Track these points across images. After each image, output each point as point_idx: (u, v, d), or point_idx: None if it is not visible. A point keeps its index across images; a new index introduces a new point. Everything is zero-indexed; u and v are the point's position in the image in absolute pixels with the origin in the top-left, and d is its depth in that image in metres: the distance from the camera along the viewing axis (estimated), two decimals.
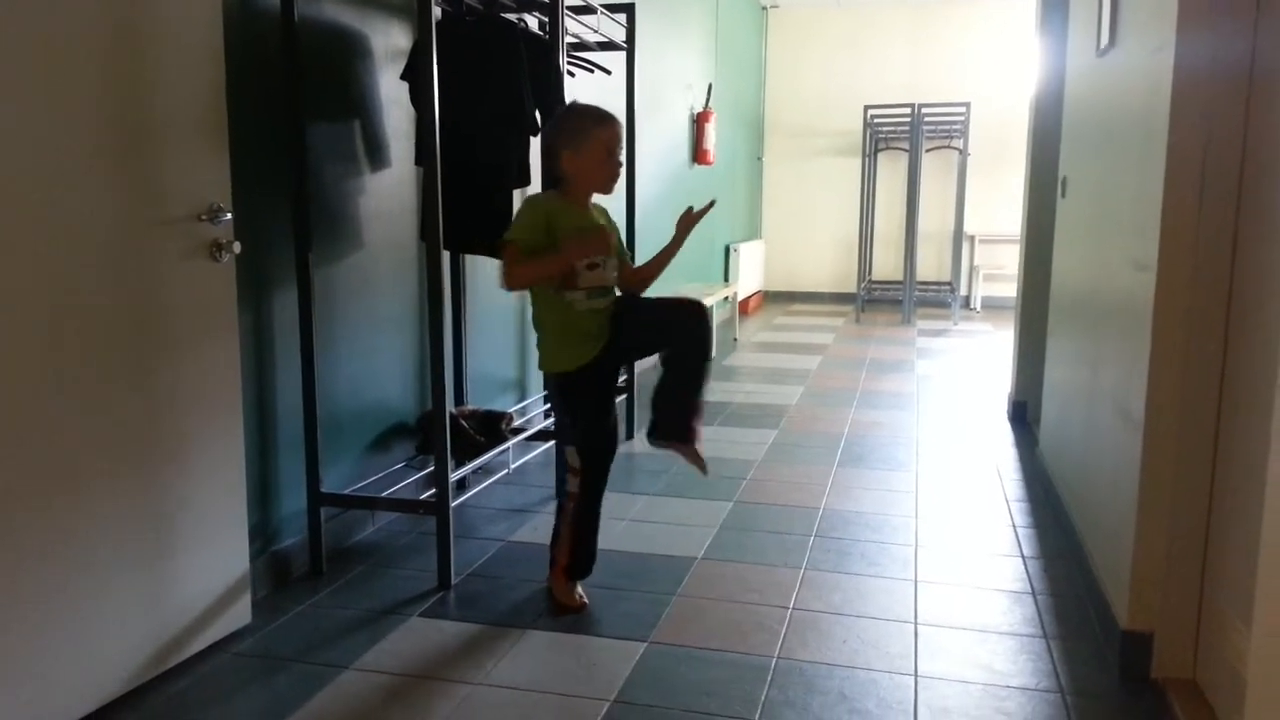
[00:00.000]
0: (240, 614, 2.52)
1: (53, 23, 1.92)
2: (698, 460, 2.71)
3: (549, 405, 4.10)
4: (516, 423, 3.73)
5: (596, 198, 2.68)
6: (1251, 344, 2.02)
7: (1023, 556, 3.10)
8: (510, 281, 2.55)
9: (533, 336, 4.45)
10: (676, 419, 2.68)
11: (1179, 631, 2.27)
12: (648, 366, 6.12)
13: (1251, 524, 1.93)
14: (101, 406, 2.07)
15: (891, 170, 10.08)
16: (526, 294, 4.37)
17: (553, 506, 3.52)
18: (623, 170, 2.64)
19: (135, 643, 2.20)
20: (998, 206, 9.68)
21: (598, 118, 2.56)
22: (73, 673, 2.05)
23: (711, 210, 2.62)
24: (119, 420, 2.12)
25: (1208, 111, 2.12)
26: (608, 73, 4.37)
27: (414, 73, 3.13)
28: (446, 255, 3.55)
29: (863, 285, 9.45)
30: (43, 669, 1.98)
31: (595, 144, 2.53)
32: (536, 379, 4.56)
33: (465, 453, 3.35)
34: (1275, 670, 1.51)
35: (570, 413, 2.69)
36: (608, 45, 4.20)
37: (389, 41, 3.27)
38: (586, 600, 2.72)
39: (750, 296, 9.54)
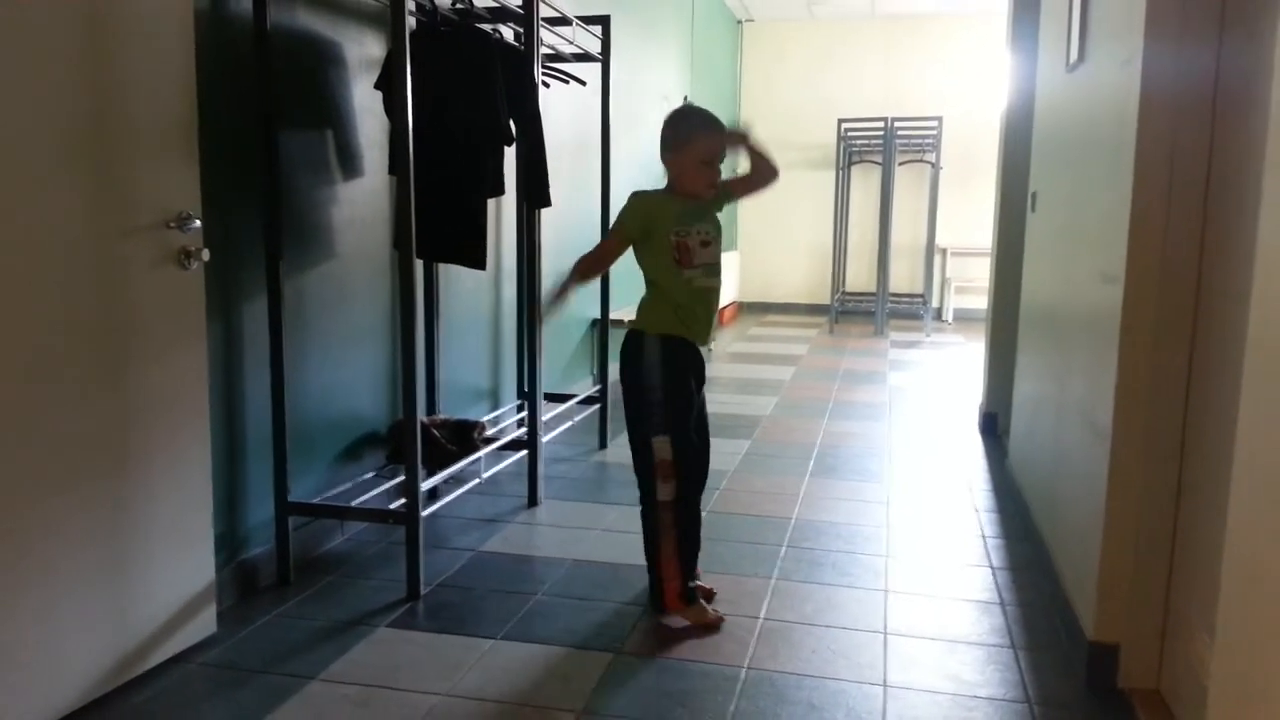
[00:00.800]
0: (205, 624, 2.48)
1: (18, 26, 1.90)
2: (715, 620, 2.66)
3: (523, 414, 4.09)
4: (489, 432, 3.71)
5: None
6: (1218, 356, 2.05)
7: (992, 567, 3.12)
8: (584, 266, 2.67)
9: (507, 346, 4.46)
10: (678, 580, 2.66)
11: (1145, 642, 2.29)
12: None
13: (1216, 535, 1.95)
14: (66, 415, 2.04)
15: (865, 183, 10.15)
16: (500, 304, 4.36)
17: (524, 516, 3.52)
18: (718, 177, 2.63)
19: (96, 653, 2.17)
20: (969, 220, 9.77)
21: (701, 123, 2.62)
22: (30, 683, 2.01)
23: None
24: (83, 428, 2.09)
25: (1174, 126, 2.15)
26: (583, 84, 4.38)
27: (388, 82, 3.11)
28: (420, 264, 3.53)
29: (836, 297, 9.50)
30: None
31: (694, 148, 2.58)
32: (509, 388, 4.55)
33: (437, 462, 3.33)
34: (1237, 681, 1.52)
35: (665, 384, 2.59)
36: (583, 57, 4.21)
37: (363, 50, 3.26)
38: (722, 615, 2.68)
39: (725, 307, 9.56)
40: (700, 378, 2.73)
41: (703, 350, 2.74)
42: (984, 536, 3.41)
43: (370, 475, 3.37)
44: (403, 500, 2.86)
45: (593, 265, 2.70)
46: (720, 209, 2.72)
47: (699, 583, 2.82)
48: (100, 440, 2.13)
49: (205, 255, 2.34)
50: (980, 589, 2.94)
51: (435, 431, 3.43)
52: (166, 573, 2.34)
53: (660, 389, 2.60)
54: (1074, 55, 3.04)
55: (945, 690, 2.32)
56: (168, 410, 2.30)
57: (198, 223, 2.32)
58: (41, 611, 2.02)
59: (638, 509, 2.76)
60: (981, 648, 2.55)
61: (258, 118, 2.73)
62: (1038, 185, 3.86)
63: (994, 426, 4.95)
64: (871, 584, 2.95)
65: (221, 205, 2.61)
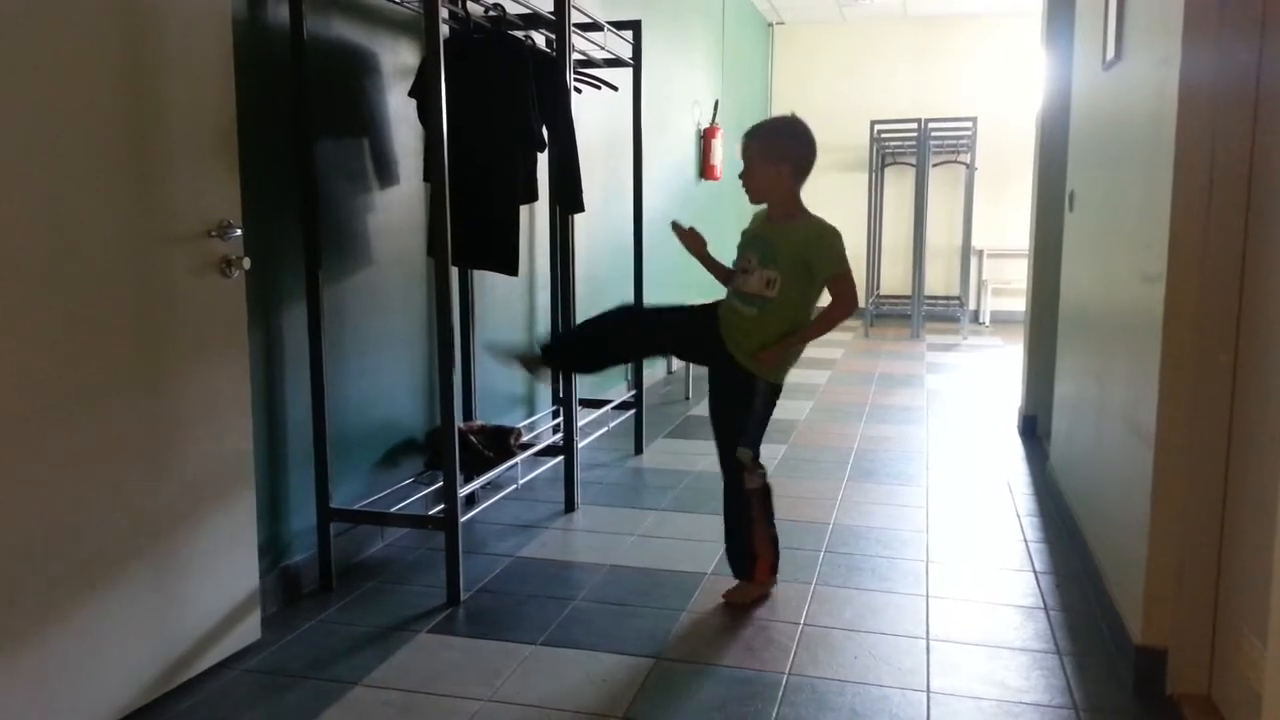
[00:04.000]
0: (250, 630, 2.51)
1: (64, 41, 1.94)
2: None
3: (559, 420, 4.10)
4: (525, 438, 3.72)
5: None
6: (1263, 355, 2.01)
7: (1034, 572, 3.08)
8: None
9: None
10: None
11: (1193, 647, 2.25)
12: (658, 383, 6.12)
13: (1266, 538, 1.92)
14: (110, 422, 2.08)
15: (898, 185, 10.08)
16: (534, 309, 4.38)
17: (561, 522, 3.53)
18: (741, 177, 2.80)
19: (144, 659, 2.20)
20: (1005, 221, 9.67)
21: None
22: (80, 689, 2.04)
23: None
24: (128, 435, 2.12)
25: (1214, 122, 2.12)
26: (614, 89, 4.39)
27: (422, 90, 3.14)
28: (455, 271, 3.55)
29: (871, 300, 9.44)
30: (50, 685, 1.98)
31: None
32: (544, 394, 4.56)
33: (474, 468, 3.34)
34: None
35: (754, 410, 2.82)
36: (614, 62, 4.22)
37: (397, 59, 3.29)
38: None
39: None
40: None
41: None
42: (1026, 541, 3.37)
43: (409, 481, 3.39)
44: (441, 506, 2.88)
45: None
46: (793, 245, 2.69)
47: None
48: (145, 448, 2.16)
49: (246, 263, 2.37)
50: (1023, 594, 2.91)
51: (472, 438, 3.44)
52: (211, 580, 2.37)
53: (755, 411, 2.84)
54: (1110, 53, 3.00)
55: (990, 696, 2.30)
56: (211, 418, 2.34)
57: (239, 231, 2.35)
58: (88, 618, 2.05)
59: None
60: (1026, 653, 2.52)
61: (295, 127, 2.76)
62: (1075, 184, 3.81)
63: (1034, 429, 4.90)
64: (912, 589, 2.93)
65: (261, 214, 2.64)
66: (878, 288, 9.88)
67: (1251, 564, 2.02)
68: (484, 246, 3.27)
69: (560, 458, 3.69)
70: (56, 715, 1.99)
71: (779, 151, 2.73)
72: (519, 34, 3.50)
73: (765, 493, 2.84)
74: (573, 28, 3.55)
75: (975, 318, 9.86)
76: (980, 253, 9.78)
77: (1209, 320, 2.16)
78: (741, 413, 2.79)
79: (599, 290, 5.20)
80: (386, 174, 3.26)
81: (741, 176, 2.76)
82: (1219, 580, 2.21)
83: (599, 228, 5.11)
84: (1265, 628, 1.86)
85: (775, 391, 2.82)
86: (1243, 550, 2.08)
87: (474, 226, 3.20)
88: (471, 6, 3.27)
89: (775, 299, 2.66)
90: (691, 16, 7.22)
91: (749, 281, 2.70)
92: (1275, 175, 1.99)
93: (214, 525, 2.37)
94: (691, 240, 2.85)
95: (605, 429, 4.50)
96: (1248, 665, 1.99)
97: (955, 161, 9.70)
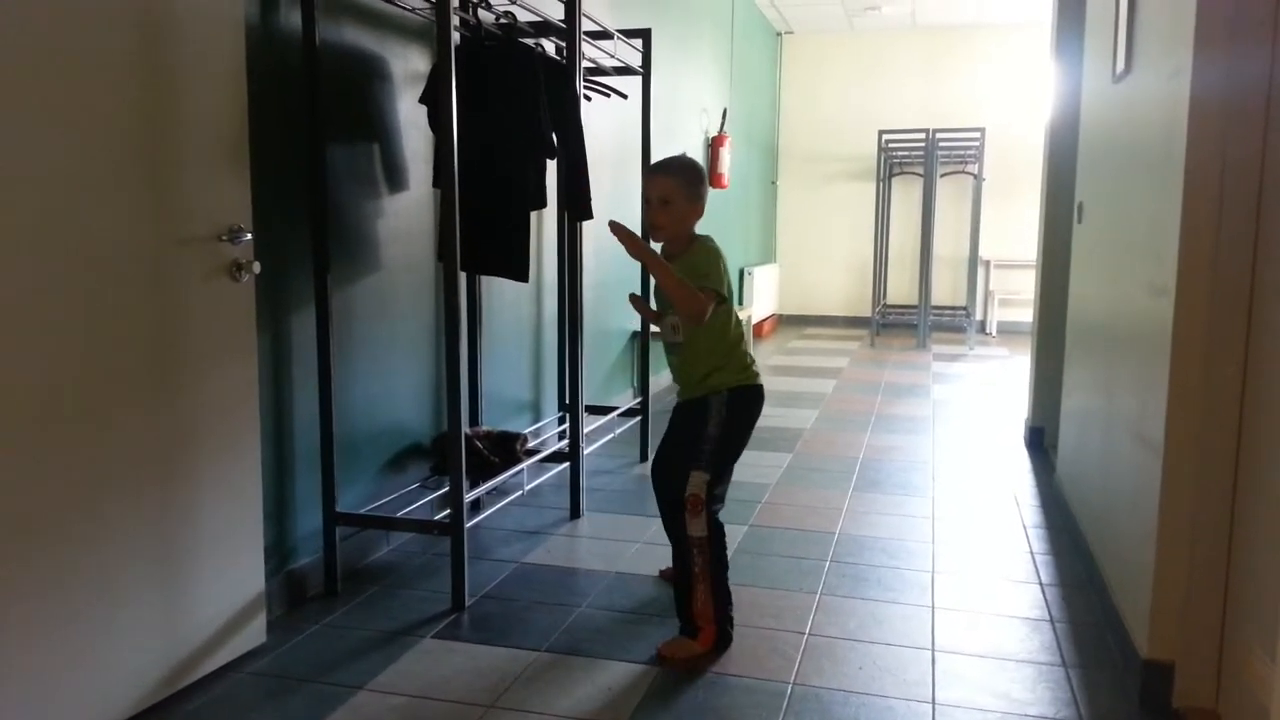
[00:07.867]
0: (255, 633, 2.51)
1: (78, 47, 1.95)
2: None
3: (565, 426, 4.10)
4: (531, 444, 3.73)
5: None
6: (1272, 367, 2.01)
7: (1041, 584, 3.07)
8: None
9: (548, 359, 4.48)
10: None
11: (1200, 661, 2.24)
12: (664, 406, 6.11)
13: (1275, 551, 1.91)
14: (120, 425, 2.08)
15: (906, 195, 10.09)
16: (541, 316, 4.39)
17: (567, 528, 3.53)
18: (653, 215, 2.64)
19: (149, 661, 2.20)
20: (1013, 231, 9.67)
21: (647, 171, 2.72)
22: (86, 691, 2.05)
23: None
24: (137, 438, 2.13)
25: (1225, 135, 2.12)
26: (624, 97, 4.40)
27: (433, 96, 3.15)
28: (463, 276, 3.56)
29: (877, 309, 9.43)
30: (56, 687, 1.98)
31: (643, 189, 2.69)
32: (551, 400, 4.56)
33: (480, 474, 3.35)
34: None
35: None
36: (624, 70, 4.23)
37: (408, 65, 3.30)
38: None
39: (765, 320, 9.54)
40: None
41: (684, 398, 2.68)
42: (1032, 552, 3.36)
43: (414, 486, 3.39)
44: (447, 511, 2.88)
45: None
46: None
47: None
48: (154, 451, 2.17)
49: (256, 268, 2.38)
50: (1029, 606, 2.90)
51: (478, 443, 3.45)
52: (218, 582, 2.37)
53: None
54: (1120, 66, 3.00)
55: (995, 709, 2.29)
56: (219, 421, 2.34)
57: (249, 236, 2.36)
58: (96, 620, 2.06)
59: None
60: (1031, 665, 2.51)
61: (306, 132, 2.77)
62: (1084, 196, 3.81)
63: (1040, 440, 4.89)
64: (918, 600, 2.92)
65: (271, 219, 2.65)
66: (884, 297, 9.87)
67: (1260, 578, 2.01)
68: (494, 253, 3.28)
69: (566, 464, 3.69)
70: (62, 717, 2.00)
71: (699, 192, 2.60)
72: (530, 41, 3.51)
73: (711, 541, 2.53)
74: (583, 36, 3.56)
75: (982, 328, 9.85)
76: (987, 263, 9.78)
77: (1218, 333, 2.16)
78: (692, 438, 2.56)
79: (606, 298, 5.20)
80: (396, 179, 3.27)
81: (654, 216, 2.59)
82: (1227, 594, 2.20)
83: (607, 235, 5.10)
84: (1273, 642, 1.85)
85: (736, 411, 2.58)
86: (1251, 564, 2.08)
87: (484, 233, 3.21)
88: (483, 14, 3.28)
89: (684, 342, 2.58)
90: (701, 25, 7.23)
91: (663, 330, 2.62)
92: None
93: (221, 528, 2.37)
94: (631, 242, 2.51)
95: (611, 435, 4.51)
96: (1255, 680, 1.98)
97: (963, 172, 9.70)
